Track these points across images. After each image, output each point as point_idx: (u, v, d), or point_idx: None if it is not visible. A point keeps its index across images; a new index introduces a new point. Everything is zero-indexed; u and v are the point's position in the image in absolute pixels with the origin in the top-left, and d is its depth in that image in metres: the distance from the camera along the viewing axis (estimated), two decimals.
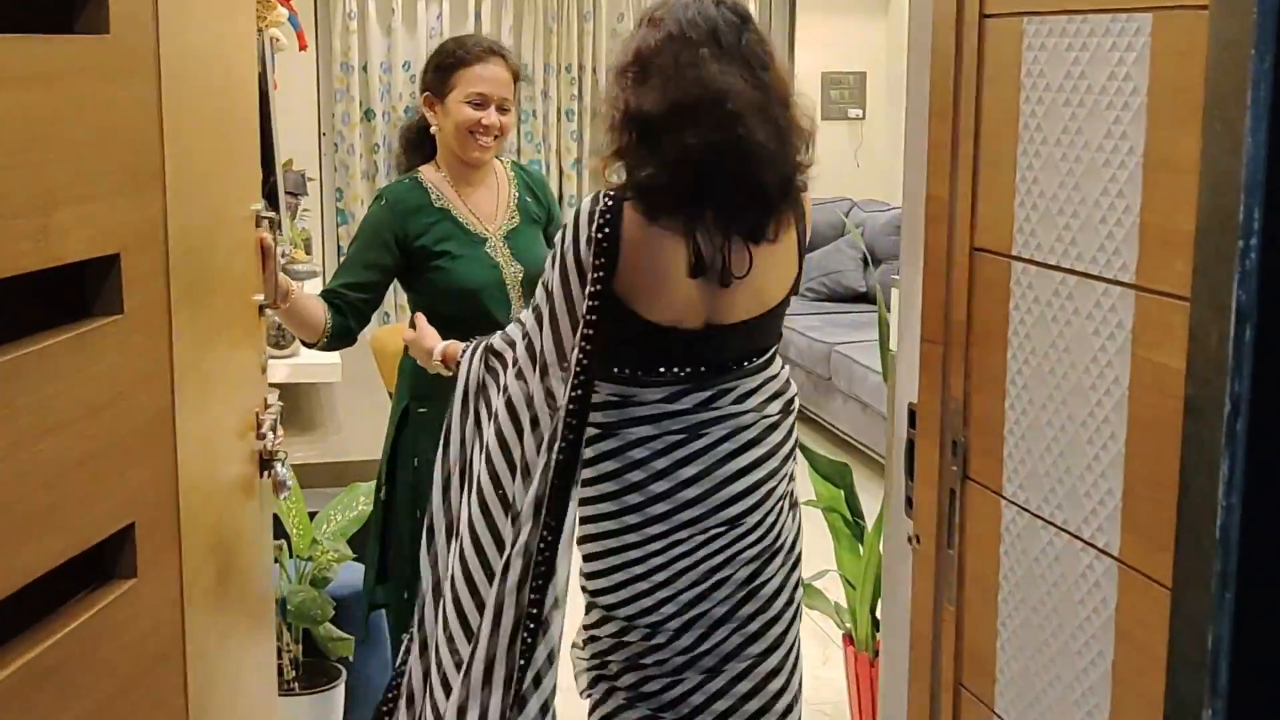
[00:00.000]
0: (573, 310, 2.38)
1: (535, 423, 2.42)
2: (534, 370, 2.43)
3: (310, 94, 7.23)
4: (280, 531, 3.39)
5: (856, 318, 6.80)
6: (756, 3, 7.73)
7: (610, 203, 2.35)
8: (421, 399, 3.09)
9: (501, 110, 3.07)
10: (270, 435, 2.41)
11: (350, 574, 3.45)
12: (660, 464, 2.43)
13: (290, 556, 3.37)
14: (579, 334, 2.33)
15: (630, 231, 2.36)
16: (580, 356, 2.33)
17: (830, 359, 6.20)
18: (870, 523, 3.33)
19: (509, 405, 2.46)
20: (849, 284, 7.19)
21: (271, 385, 4.16)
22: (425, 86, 3.10)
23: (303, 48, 6.06)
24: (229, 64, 2.19)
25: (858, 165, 8.01)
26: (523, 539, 2.35)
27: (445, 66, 3.06)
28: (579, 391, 2.33)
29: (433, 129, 3.11)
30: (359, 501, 3.36)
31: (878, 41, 7.89)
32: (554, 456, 2.33)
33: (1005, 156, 1.75)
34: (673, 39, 2.31)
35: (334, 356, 4.19)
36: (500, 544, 2.41)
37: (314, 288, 5.45)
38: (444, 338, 2.85)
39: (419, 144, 3.18)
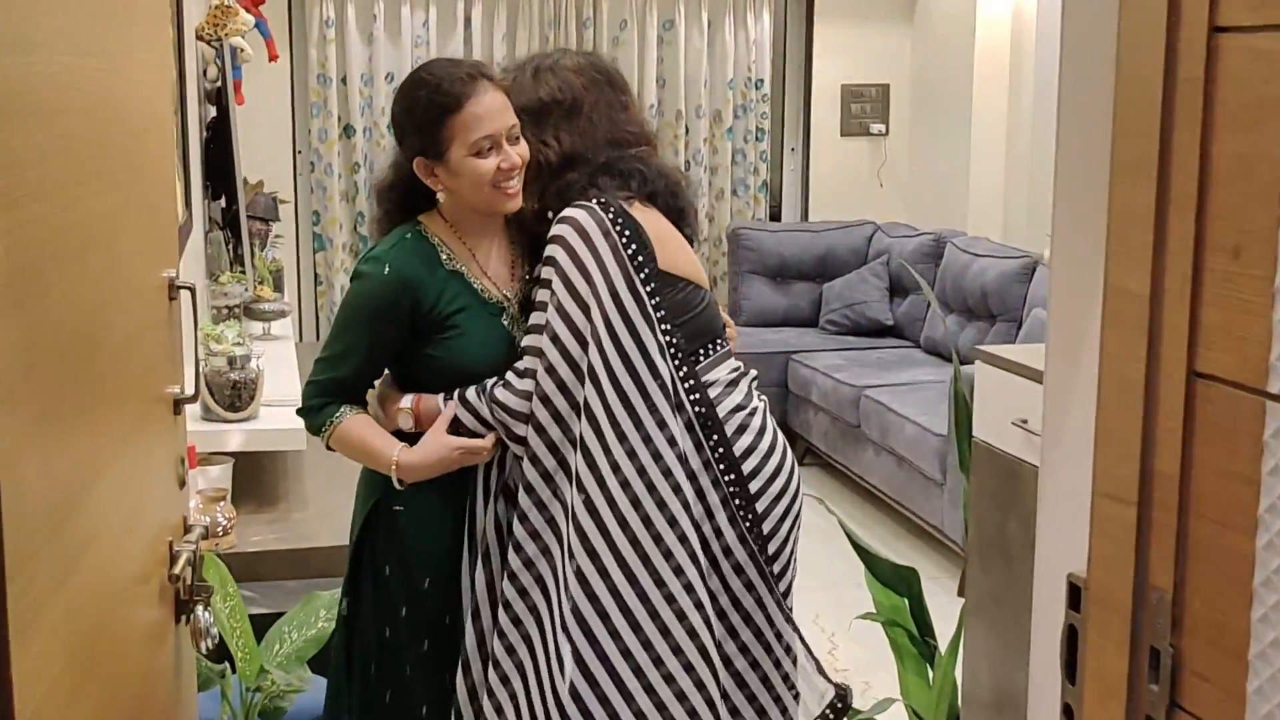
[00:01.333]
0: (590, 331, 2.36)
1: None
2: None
3: (284, 109, 6.72)
4: (223, 651, 2.80)
5: (885, 354, 6.21)
6: (770, 9, 7.17)
7: (605, 201, 2.41)
8: (397, 492, 2.50)
9: (513, 141, 2.44)
10: (189, 570, 1.89)
11: (313, 696, 2.85)
12: (764, 430, 2.50)
13: (233, 672, 2.77)
14: (655, 328, 2.37)
15: (637, 212, 2.44)
16: (671, 340, 2.40)
17: (859, 405, 5.60)
18: (943, 643, 2.74)
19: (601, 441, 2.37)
20: (874, 316, 6.60)
21: (225, 455, 3.63)
22: (415, 150, 2.46)
23: (273, 58, 5.56)
24: (125, 95, 1.66)
25: (880, 185, 7.45)
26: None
27: (431, 120, 2.41)
28: (690, 381, 2.41)
29: (439, 195, 2.50)
30: (319, 616, 2.76)
31: (902, 51, 7.32)
32: (709, 454, 2.40)
33: (1258, 241, 1.16)
34: (598, 84, 2.52)
35: (298, 421, 3.60)
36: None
37: (283, 329, 4.86)
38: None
39: (408, 199, 2.54)
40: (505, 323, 2.50)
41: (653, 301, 2.36)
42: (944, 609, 4.18)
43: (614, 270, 2.34)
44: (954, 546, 4.82)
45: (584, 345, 2.33)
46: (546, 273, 2.36)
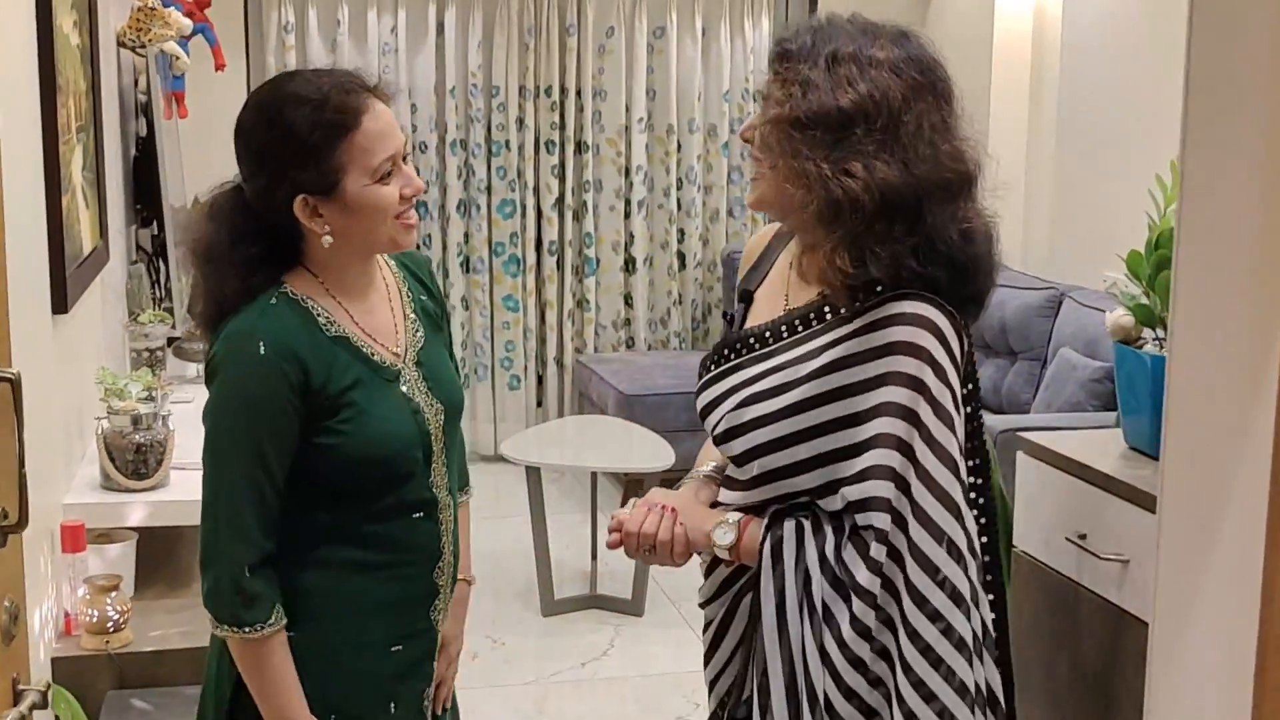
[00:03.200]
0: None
1: None
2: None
3: None
4: None
5: None
6: (770, 14, 6.67)
7: (949, 308, 1.80)
8: (300, 617, 2.01)
9: (405, 162, 2.02)
10: None
11: None
12: None
13: None
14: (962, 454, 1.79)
15: None
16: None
17: None
18: None
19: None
20: None
21: (129, 529, 3.13)
22: (295, 188, 1.94)
23: (220, 67, 5.07)
24: None
25: None
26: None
27: (318, 145, 1.92)
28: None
29: (324, 241, 1.96)
30: None
31: None
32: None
33: None
34: (920, 89, 1.80)
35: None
36: None
37: None
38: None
39: (271, 257, 2.01)
40: (404, 389, 2.03)
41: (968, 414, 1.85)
42: None
43: (954, 402, 1.78)
44: None
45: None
46: (895, 394, 1.76)
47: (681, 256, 6.78)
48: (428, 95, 6.36)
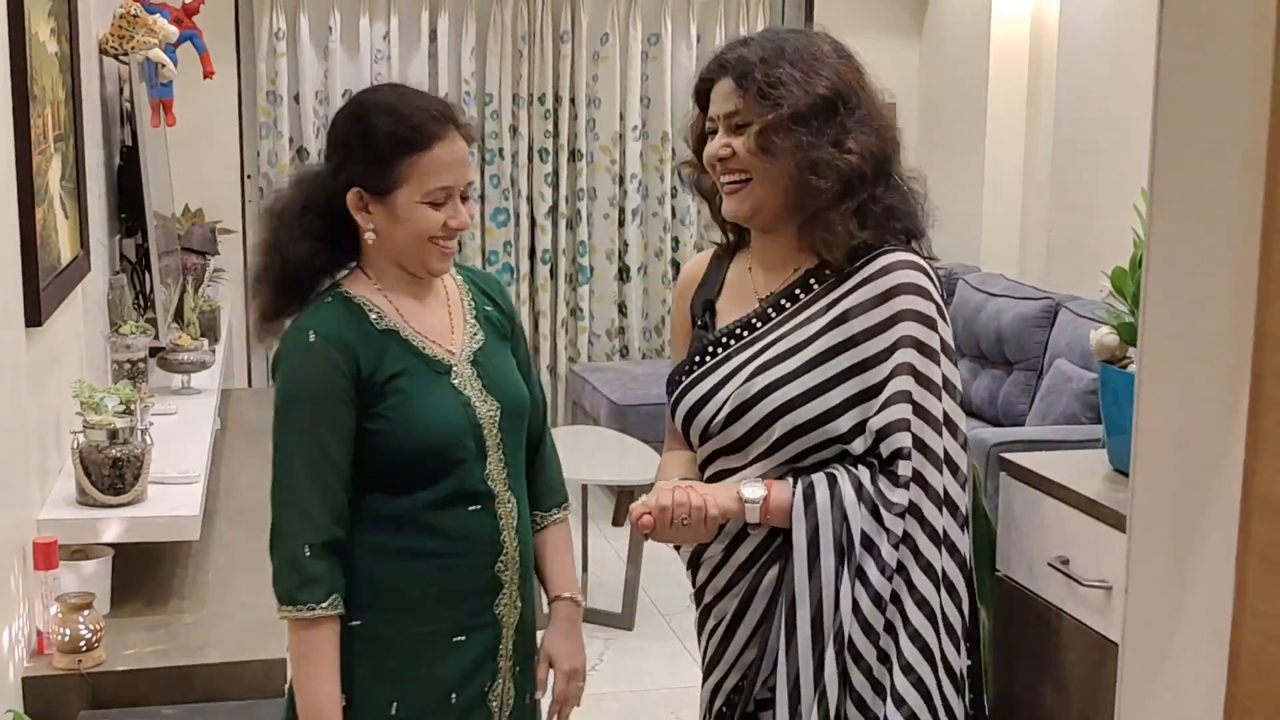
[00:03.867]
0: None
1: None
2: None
3: (230, 129, 6.18)
4: None
5: None
6: (766, 20, 6.64)
7: (925, 256, 2.05)
8: (362, 606, 2.09)
9: (465, 198, 2.17)
10: None
11: None
12: None
13: None
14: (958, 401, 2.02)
15: None
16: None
17: None
18: None
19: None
20: None
21: (105, 546, 3.08)
22: (354, 179, 2.11)
23: (208, 75, 5.02)
24: None
25: None
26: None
27: (387, 152, 2.10)
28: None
29: (366, 235, 2.14)
30: None
31: (909, 66, 6.77)
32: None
33: None
34: (861, 73, 2.06)
35: (192, 506, 3.13)
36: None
37: (204, 381, 4.27)
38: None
39: (332, 243, 2.17)
40: (455, 383, 2.15)
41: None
42: None
43: (951, 336, 2.04)
44: None
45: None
46: (910, 329, 1.95)
47: (676, 265, 6.73)
48: None
